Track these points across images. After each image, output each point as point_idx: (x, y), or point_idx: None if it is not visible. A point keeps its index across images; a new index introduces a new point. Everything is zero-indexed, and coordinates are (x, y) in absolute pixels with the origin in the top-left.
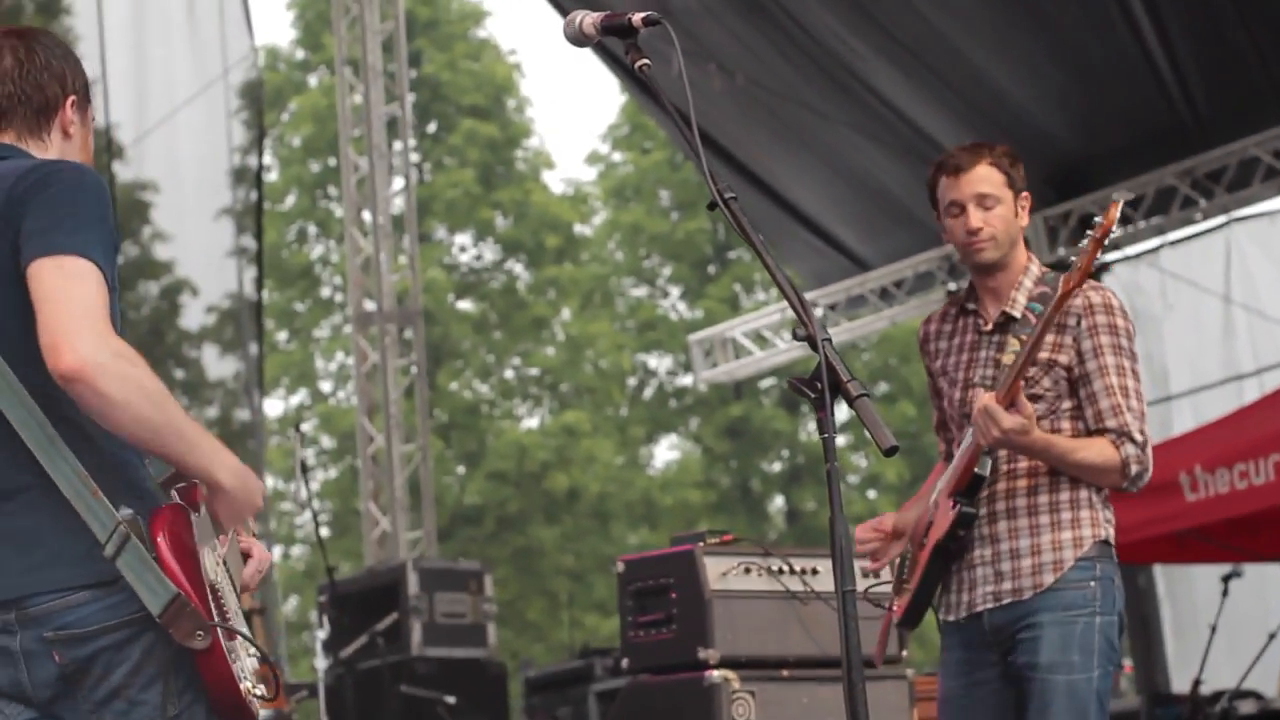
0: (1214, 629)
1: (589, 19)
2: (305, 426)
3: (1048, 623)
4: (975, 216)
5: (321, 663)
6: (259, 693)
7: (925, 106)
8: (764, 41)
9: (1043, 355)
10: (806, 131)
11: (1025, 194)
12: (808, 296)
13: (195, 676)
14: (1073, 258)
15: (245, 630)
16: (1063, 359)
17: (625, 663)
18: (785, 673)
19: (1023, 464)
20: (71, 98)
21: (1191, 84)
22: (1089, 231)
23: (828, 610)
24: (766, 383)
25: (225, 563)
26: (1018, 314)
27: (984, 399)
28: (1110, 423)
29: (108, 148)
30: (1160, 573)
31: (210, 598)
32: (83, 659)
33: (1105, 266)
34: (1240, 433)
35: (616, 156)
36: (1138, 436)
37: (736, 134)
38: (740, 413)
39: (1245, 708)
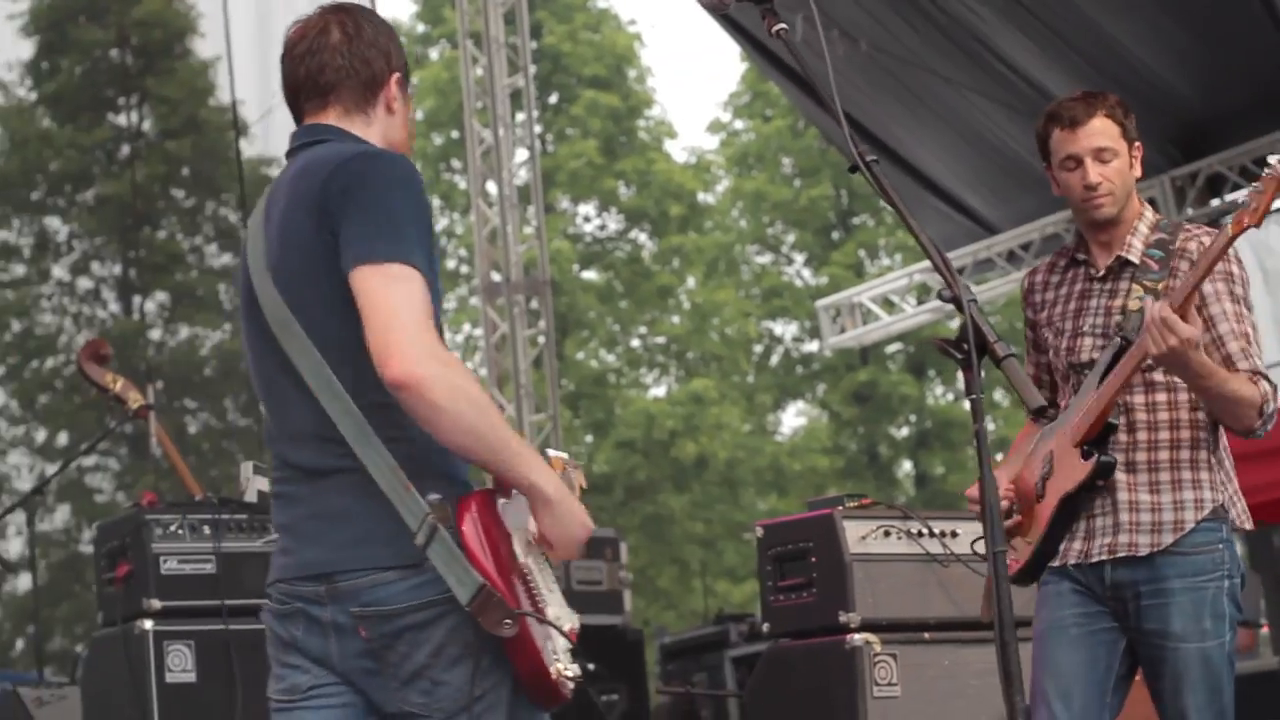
0: None
1: None
2: None
3: (1179, 589)
4: (1094, 171)
5: None
6: (570, 674)
7: (1049, 69)
8: (886, 7)
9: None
10: (930, 96)
11: (1138, 144)
12: None
13: (501, 659)
14: (1242, 196)
15: (558, 610)
16: None
17: (766, 627)
18: (927, 635)
19: (1141, 416)
20: (396, 74)
21: None
22: (1268, 168)
23: (968, 573)
24: (893, 347)
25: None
26: (1135, 259)
27: (1159, 307)
28: (1243, 364)
29: (234, 124)
30: None
31: (520, 582)
32: (388, 636)
33: None
34: None
35: (738, 124)
36: (1270, 378)
37: (860, 100)
38: (867, 378)
39: None
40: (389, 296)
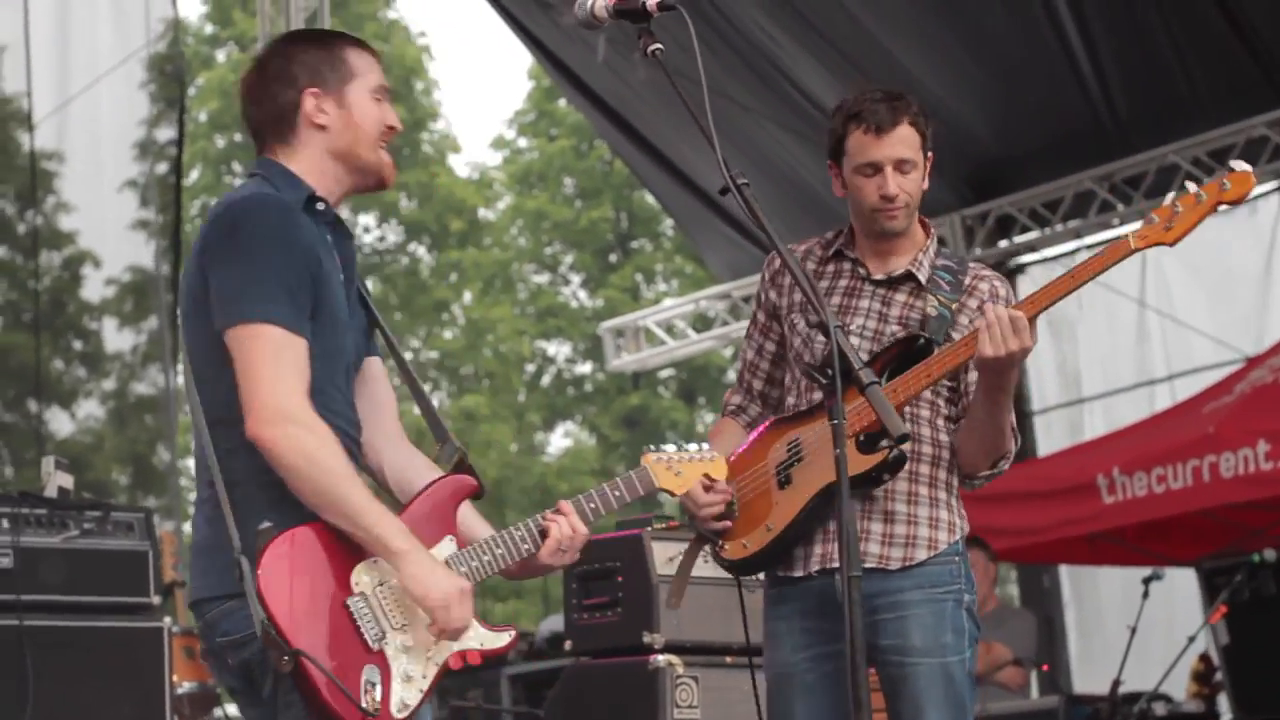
0: (1134, 630)
1: (601, 2)
2: None
3: (917, 601)
4: (893, 182)
5: None
6: (373, 710)
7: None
8: (687, 32)
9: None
10: (727, 123)
11: (930, 154)
12: (723, 288)
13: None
14: (1152, 214)
15: (410, 643)
16: (957, 336)
17: (568, 645)
18: (729, 659)
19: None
20: (308, 90)
21: (1113, 89)
22: (1197, 192)
23: None
24: (665, 373)
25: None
26: (923, 277)
27: (1009, 309)
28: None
29: (27, 116)
30: (1066, 574)
31: (330, 619)
32: (244, 662)
33: (1020, 268)
34: (1160, 437)
35: (522, 142)
36: (1017, 439)
37: (658, 124)
38: (639, 402)
39: (1157, 709)
40: (250, 357)
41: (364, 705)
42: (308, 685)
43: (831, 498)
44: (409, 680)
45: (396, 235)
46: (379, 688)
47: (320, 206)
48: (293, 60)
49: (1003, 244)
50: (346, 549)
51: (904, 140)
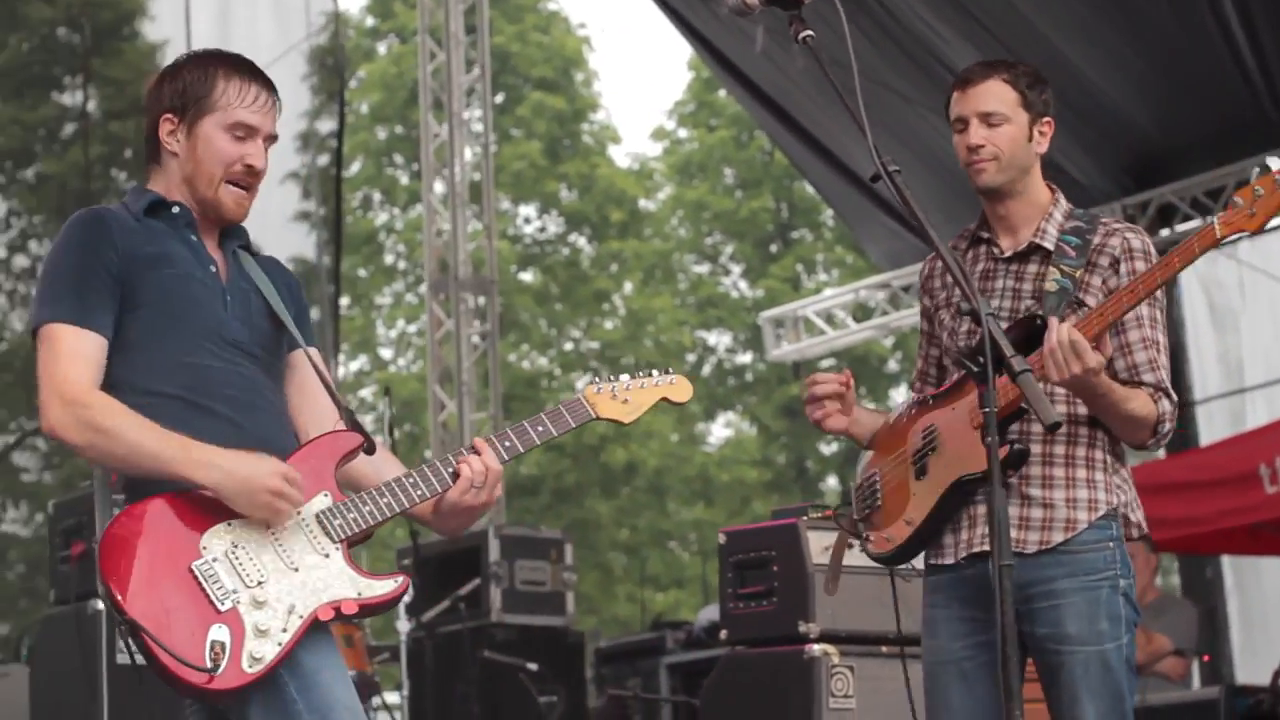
0: None
1: None
2: (365, 392)
3: (1070, 590)
4: (977, 134)
5: (404, 625)
6: (210, 667)
7: None
8: (846, 22)
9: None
10: (887, 113)
11: (1047, 119)
12: (883, 278)
13: None
14: (1238, 199)
15: (262, 595)
16: (1090, 302)
17: (724, 634)
18: (885, 649)
19: None
20: (163, 117)
21: (1275, 76)
22: (1275, 175)
23: None
24: (825, 363)
25: (274, 535)
26: (1049, 245)
27: (1066, 329)
28: (1148, 377)
29: None
30: (1228, 564)
31: (175, 583)
32: None
33: None
34: None
35: (682, 133)
36: (1173, 394)
37: (816, 114)
38: (799, 392)
39: None
40: (40, 359)
41: (201, 664)
42: (148, 650)
43: (963, 490)
44: (263, 634)
45: (557, 226)
46: (229, 645)
47: (175, 210)
48: (166, 83)
49: (1164, 233)
50: (200, 514)
51: (991, 93)
